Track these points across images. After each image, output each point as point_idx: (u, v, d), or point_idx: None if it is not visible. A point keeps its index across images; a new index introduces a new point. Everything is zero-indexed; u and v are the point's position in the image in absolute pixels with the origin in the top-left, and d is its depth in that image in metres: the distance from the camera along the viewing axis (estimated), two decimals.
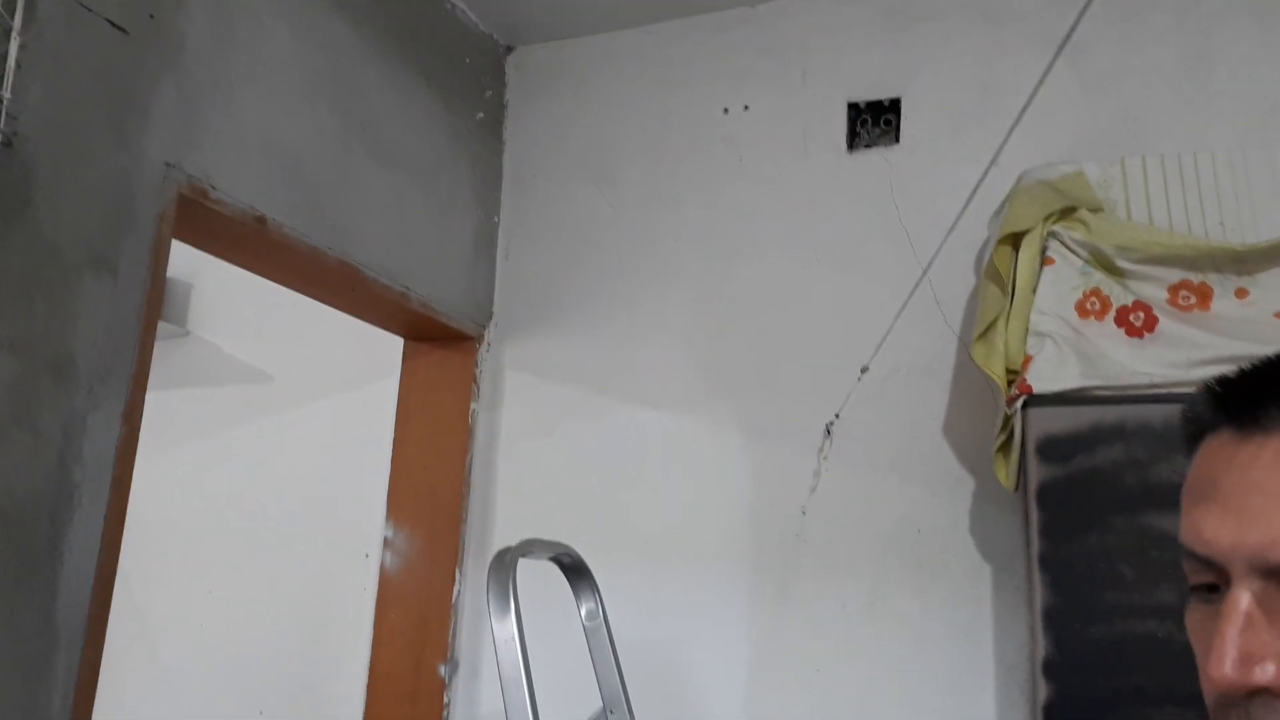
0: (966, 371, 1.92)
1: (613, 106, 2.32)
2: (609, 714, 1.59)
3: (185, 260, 2.62)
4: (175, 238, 1.63)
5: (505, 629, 1.37)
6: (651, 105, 2.27)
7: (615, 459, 2.17)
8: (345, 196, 1.90)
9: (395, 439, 2.30)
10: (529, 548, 1.50)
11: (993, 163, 1.98)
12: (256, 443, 2.53)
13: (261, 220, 1.70)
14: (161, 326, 2.62)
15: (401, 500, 2.27)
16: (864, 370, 1.84)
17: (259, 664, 2.39)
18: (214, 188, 1.60)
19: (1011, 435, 1.64)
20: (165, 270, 1.54)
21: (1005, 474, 1.66)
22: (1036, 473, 1.54)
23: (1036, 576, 1.50)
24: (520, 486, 2.22)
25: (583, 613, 1.63)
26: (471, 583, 2.17)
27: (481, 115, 2.34)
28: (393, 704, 2.17)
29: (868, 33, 2.15)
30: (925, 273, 1.99)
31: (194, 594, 2.51)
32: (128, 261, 1.47)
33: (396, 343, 2.35)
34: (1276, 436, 0.52)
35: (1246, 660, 0.52)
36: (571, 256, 2.29)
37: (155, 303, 1.51)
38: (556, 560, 1.61)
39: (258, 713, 2.37)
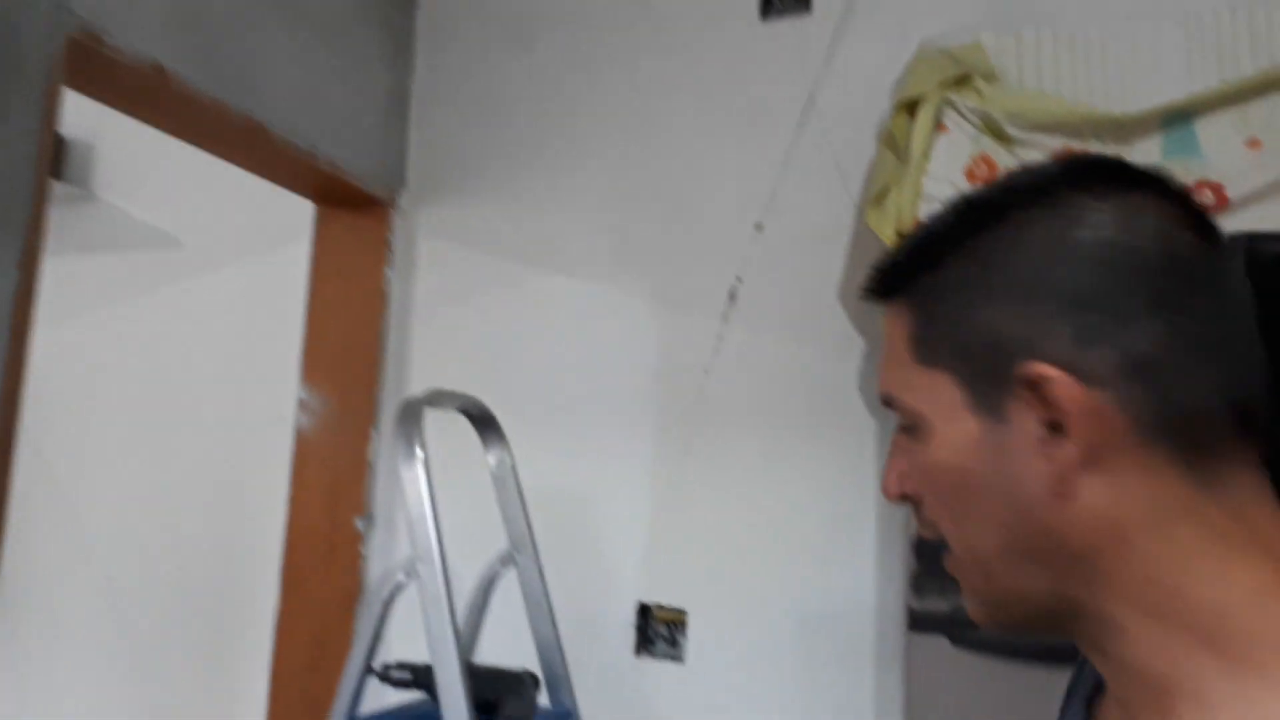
0: (864, 238, 1.99)
1: None
2: (515, 554, 1.68)
3: (87, 119, 2.56)
4: (70, 87, 1.60)
5: (412, 471, 1.43)
6: None
7: (529, 324, 2.22)
8: (249, 50, 1.87)
9: (309, 304, 2.31)
10: (435, 398, 1.55)
11: (899, 38, 2.02)
12: (167, 309, 2.52)
13: (160, 70, 1.67)
14: (63, 189, 2.58)
15: (316, 364, 2.30)
16: (758, 227, 1.89)
17: (176, 524, 2.44)
18: (108, 33, 1.57)
19: None
20: (57, 119, 1.51)
21: None
22: None
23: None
24: (436, 352, 2.26)
25: (491, 460, 1.70)
26: (388, 442, 2.22)
27: None
28: (310, 557, 2.24)
29: None
30: (827, 138, 2.04)
31: (109, 460, 2.53)
32: (18, 108, 1.45)
33: (308, 207, 2.34)
34: (893, 304, 0.63)
35: (899, 479, 0.63)
36: (487, 123, 2.29)
37: (46, 151, 1.49)
38: (464, 411, 1.67)
39: (176, 567, 2.43)
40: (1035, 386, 0.53)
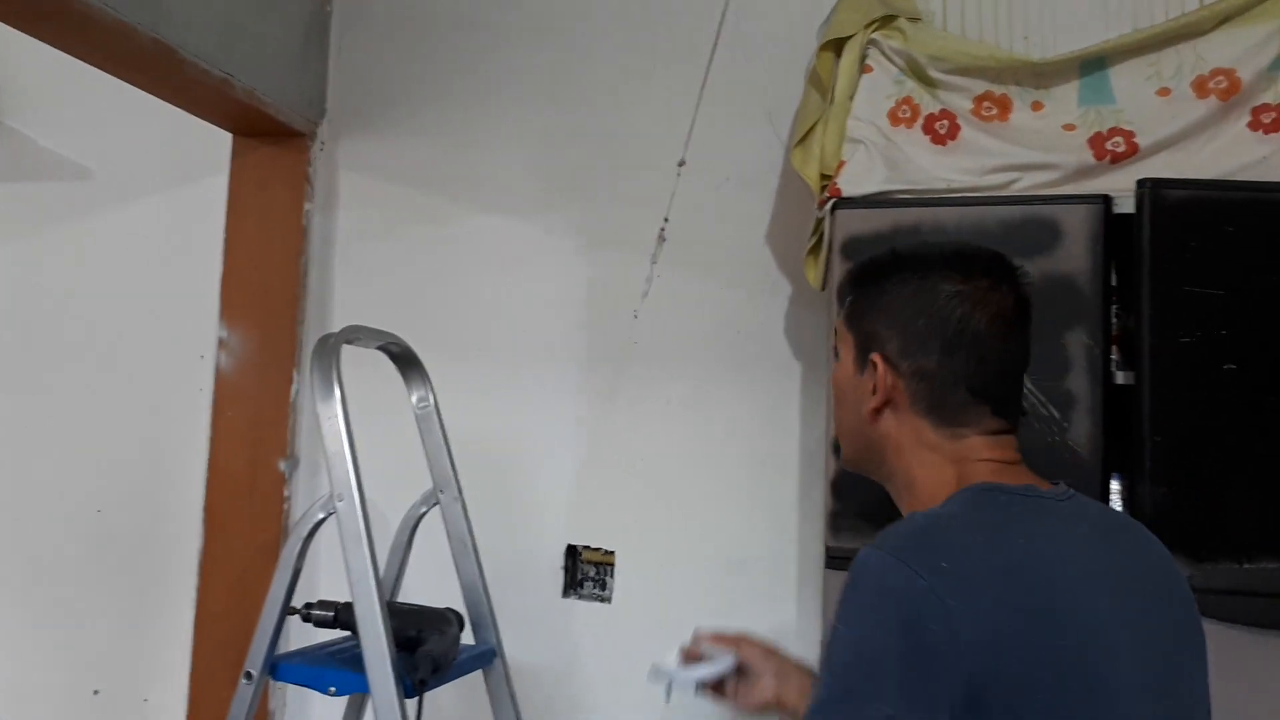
0: (791, 181, 1.99)
1: None
2: (440, 493, 1.67)
3: None
4: None
5: (329, 408, 1.41)
6: None
7: (455, 264, 2.19)
8: None
9: (226, 239, 2.26)
10: (354, 334, 1.53)
11: None
12: (79, 242, 2.44)
13: None
14: None
15: (235, 301, 2.25)
16: (681, 164, 1.88)
17: (95, 464, 2.38)
18: None
19: (821, 238, 1.73)
20: None
21: (814, 274, 1.77)
22: (839, 271, 1.64)
23: (833, 365, 1.63)
24: (359, 289, 2.23)
25: (413, 399, 1.69)
26: (308, 383, 2.19)
27: None
28: (231, 499, 2.21)
29: None
30: (759, 85, 2.03)
31: (23, 395, 2.45)
32: None
33: (226, 138, 2.27)
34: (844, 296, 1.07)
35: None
36: (410, 52, 2.23)
37: None
38: (385, 350, 1.65)
39: (95, 511, 2.37)
40: (873, 365, 0.99)
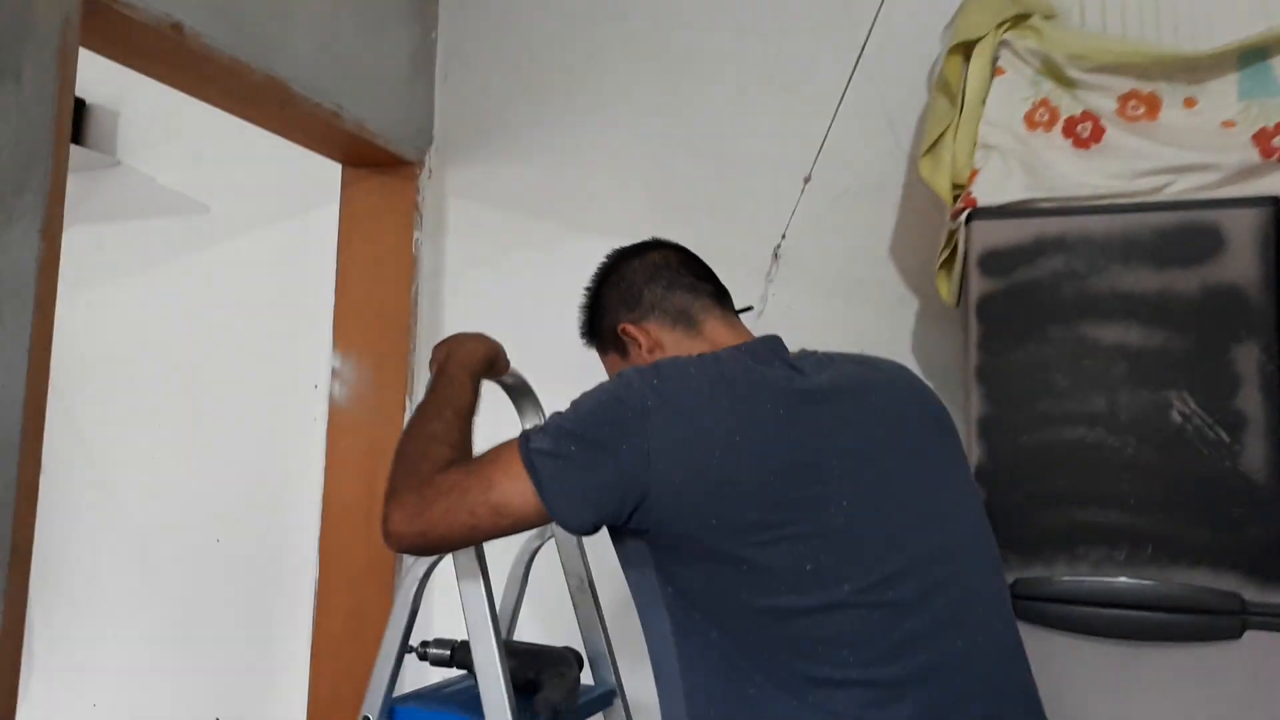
0: (915, 191, 1.89)
1: None
2: (554, 528, 1.62)
3: (110, 84, 2.50)
4: (85, 46, 1.53)
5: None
6: None
7: (564, 288, 2.12)
8: (269, 5, 1.80)
9: (338, 269, 2.26)
10: None
11: None
12: (196, 275, 2.48)
13: (178, 28, 1.60)
14: (90, 155, 2.53)
15: (347, 331, 2.25)
16: (806, 180, 1.79)
17: (213, 496, 2.41)
18: None
19: (955, 251, 1.63)
20: (74, 80, 1.45)
21: (947, 290, 1.66)
22: (977, 286, 1.54)
23: (974, 388, 1.52)
24: (468, 317, 2.20)
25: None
26: None
27: None
28: (346, 530, 2.20)
29: None
30: (877, 90, 1.94)
31: (143, 429, 2.50)
32: (32, 69, 1.38)
33: (335, 169, 2.28)
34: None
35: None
36: (515, 76, 2.20)
37: (65, 114, 1.43)
38: (499, 380, 1.61)
39: (215, 540, 2.40)
40: (625, 334, 1.24)
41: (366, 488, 2.19)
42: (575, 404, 1.07)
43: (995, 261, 1.53)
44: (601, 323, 1.29)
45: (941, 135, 1.65)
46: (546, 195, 2.17)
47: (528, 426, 1.62)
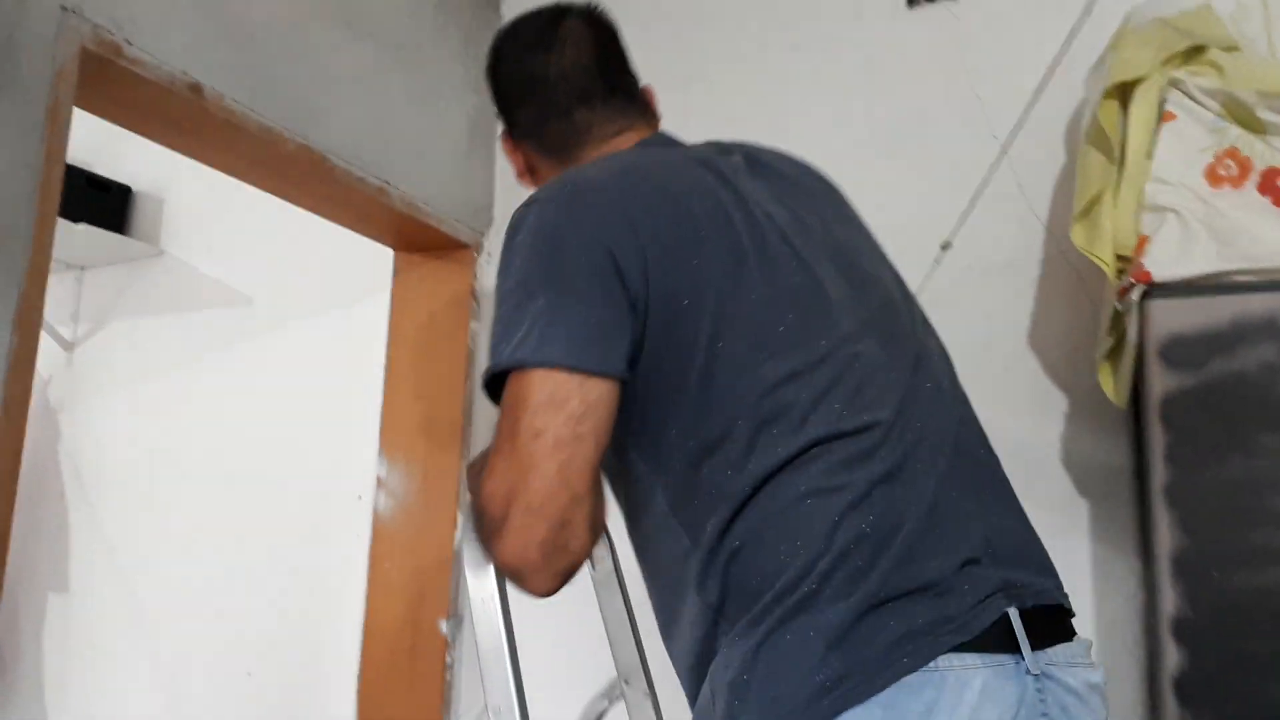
0: (1056, 266, 1.58)
1: None
2: (624, 684, 1.30)
3: (159, 169, 2.36)
4: (84, 107, 1.34)
5: (483, 585, 1.07)
6: None
7: None
8: (306, 68, 1.60)
9: (387, 365, 2.02)
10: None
11: (1085, 13, 1.63)
12: (234, 374, 2.27)
13: (197, 89, 1.40)
14: (132, 245, 2.37)
15: (396, 434, 1.99)
16: (944, 247, 1.48)
17: (244, 618, 2.15)
18: (129, 43, 1.30)
19: (1123, 337, 1.31)
20: (64, 145, 1.24)
21: (1113, 386, 1.33)
22: (1159, 382, 1.21)
23: (1161, 513, 1.18)
24: None
25: (591, 565, 1.34)
26: (461, 548, 1.88)
27: None
28: (388, 664, 1.91)
29: None
30: (1004, 151, 1.65)
31: (176, 545, 2.26)
32: (12, 132, 1.18)
33: (387, 256, 2.06)
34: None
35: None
36: None
37: (52, 185, 1.22)
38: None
39: (245, 674, 2.13)
40: (505, 147, 1.17)
41: (411, 615, 1.90)
42: (505, 272, 0.91)
43: (1182, 351, 1.21)
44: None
45: (1098, 196, 1.34)
46: None
47: (592, 561, 1.33)
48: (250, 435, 2.22)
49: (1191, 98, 1.31)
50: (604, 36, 1.12)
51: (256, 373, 2.24)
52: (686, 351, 0.87)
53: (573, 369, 0.83)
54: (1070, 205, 1.57)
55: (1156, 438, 1.20)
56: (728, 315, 0.88)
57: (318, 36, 1.62)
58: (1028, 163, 1.63)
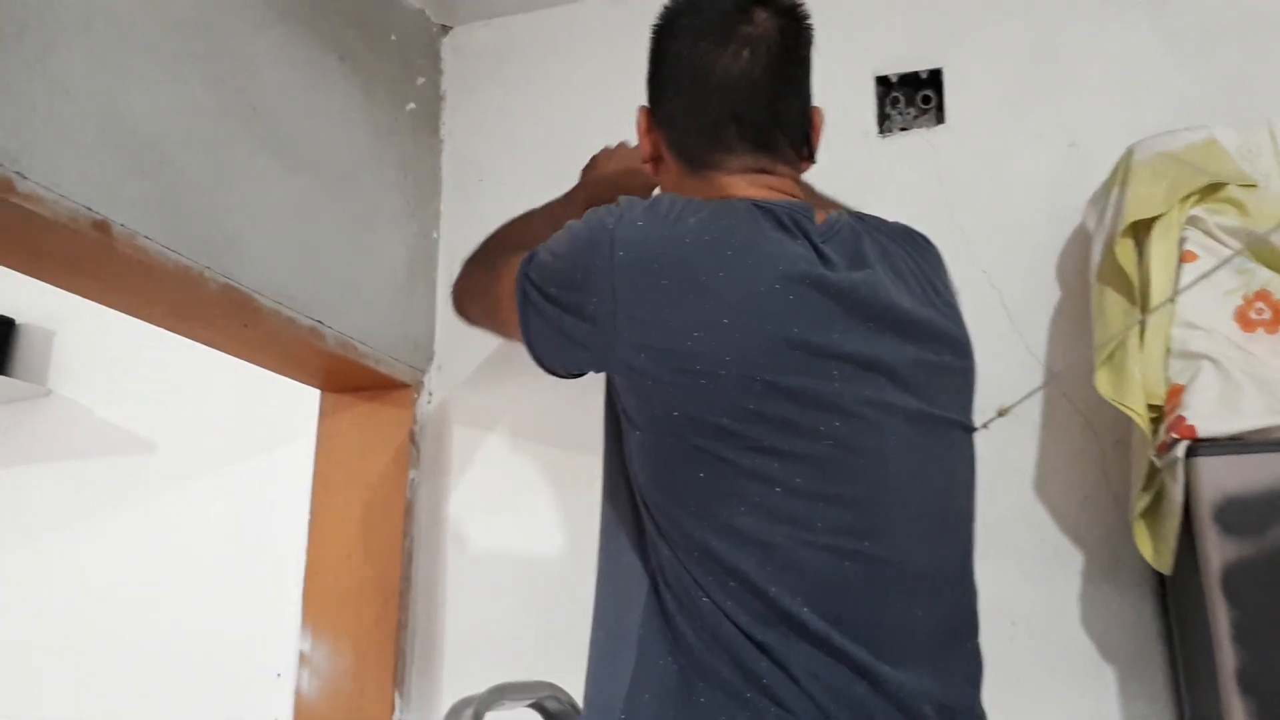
0: (1059, 409, 1.48)
1: (579, 92, 1.86)
2: None
3: (45, 301, 2.11)
4: None
5: None
6: (628, 87, 1.80)
7: (588, 529, 1.68)
8: (229, 200, 1.41)
9: (312, 521, 1.78)
10: (498, 697, 1.03)
11: (1071, 144, 1.57)
12: (136, 528, 2.00)
13: (103, 227, 1.20)
14: (15, 385, 2.10)
15: (321, 602, 1.74)
16: (1002, 413, 1.36)
17: None
18: (23, 176, 1.10)
19: (1161, 495, 1.19)
20: None
21: (1155, 549, 1.21)
22: (1218, 551, 1.09)
23: (1234, 703, 1.04)
24: (476, 580, 1.71)
25: None
26: (416, 712, 1.65)
27: (413, 106, 1.86)
28: None
29: None
30: (993, 285, 1.55)
31: None
32: None
33: (312, 395, 1.85)
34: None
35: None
36: None
37: None
38: (539, 707, 1.12)
39: None
40: (640, 120, 1.08)
41: None
42: (564, 230, 0.99)
43: (1240, 514, 1.09)
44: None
45: (1123, 341, 1.24)
46: (575, 420, 1.73)
47: None
48: (151, 602, 1.95)
49: (1213, 236, 1.23)
50: (792, 43, 1.01)
51: (159, 530, 1.97)
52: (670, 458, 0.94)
53: (525, 340, 1.03)
54: (1070, 344, 1.48)
55: (1221, 614, 1.07)
56: (723, 451, 0.92)
57: (243, 166, 1.44)
58: (1019, 298, 1.54)
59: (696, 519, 0.90)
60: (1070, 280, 1.51)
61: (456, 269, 1.82)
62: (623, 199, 0.96)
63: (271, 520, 1.87)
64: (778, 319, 0.88)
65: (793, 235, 0.94)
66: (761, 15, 0.99)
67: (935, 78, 1.68)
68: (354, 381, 1.75)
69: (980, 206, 1.60)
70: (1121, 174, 1.33)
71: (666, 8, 1.05)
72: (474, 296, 1.18)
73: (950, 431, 0.98)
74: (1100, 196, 1.37)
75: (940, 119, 1.67)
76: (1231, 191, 1.24)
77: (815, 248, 0.94)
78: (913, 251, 1.04)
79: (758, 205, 0.95)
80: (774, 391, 0.87)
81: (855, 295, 0.93)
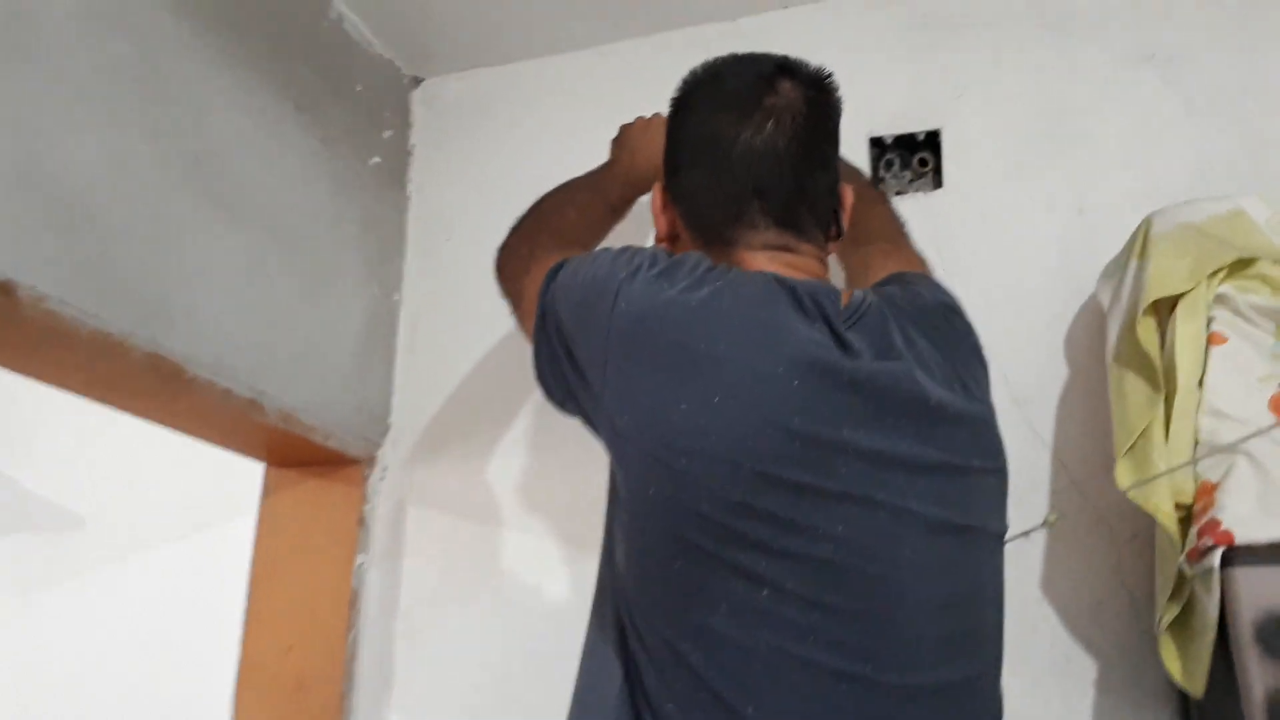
0: (1068, 499, 1.35)
1: (554, 147, 1.75)
2: None
3: None
4: None
5: None
6: (606, 142, 1.69)
7: (568, 631, 1.52)
8: (164, 259, 1.28)
9: (249, 606, 1.63)
10: None
11: (1080, 210, 1.46)
12: (59, 610, 1.84)
13: (7, 288, 1.07)
14: None
15: (256, 695, 1.58)
16: (1049, 524, 1.22)
17: None
18: None
19: (1191, 608, 1.06)
20: None
21: (1184, 669, 1.07)
22: (1261, 677, 0.95)
23: None
24: (428, 680, 1.55)
25: None
26: None
27: (378, 160, 1.75)
28: None
29: (891, 50, 1.63)
30: (995, 362, 1.43)
31: None
32: None
33: (256, 470, 1.70)
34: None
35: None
36: (501, 346, 1.68)
37: None
38: None
39: None
40: (656, 195, 1.02)
41: None
42: (592, 257, 0.95)
43: None
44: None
45: (1147, 431, 1.11)
46: (542, 500, 1.60)
47: None
48: (70, 693, 1.77)
49: (1243, 317, 1.12)
50: (819, 116, 0.95)
51: (84, 613, 1.82)
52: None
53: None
54: (1080, 426, 1.37)
55: None
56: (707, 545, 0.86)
57: (181, 220, 1.32)
58: (1023, 377, 1.42)
59: (668, 616, 0.82)
60: (1080, 358, 1.40)
61: (419, 332, 1.74)
62: (650, 249, 0.92)
63: (206, 606, 1.71)
64: (777, 406, 0.80)
65: (810, 318, 0.87)
66: (786, 86, 0.94)
67: (933, 139, 1.58)
68: (300, 456, 1.61)
69: (980, 276, 1.49)
70: (1139, 246, 1.21)
71: (685, 80, 1.00)
72: (509, 276, 1.11)
73: (977, 541, 0.87)
74: (1115, 270, 1.26)
75: (938, 183, 1.57)
76: (1263, 267, 1.13)
77: (835, 333, 0.87)
78: (942, 342, 0.94)
79: (779, 280, 0.88)
80: (767, 484, 0.79)
81: (873, 386, 0.84)
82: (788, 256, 0.94)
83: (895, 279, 1.03)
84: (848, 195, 1.01)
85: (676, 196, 0.99)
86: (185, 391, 1.32)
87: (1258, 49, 1.47)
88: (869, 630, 0.79)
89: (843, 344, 0.86)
